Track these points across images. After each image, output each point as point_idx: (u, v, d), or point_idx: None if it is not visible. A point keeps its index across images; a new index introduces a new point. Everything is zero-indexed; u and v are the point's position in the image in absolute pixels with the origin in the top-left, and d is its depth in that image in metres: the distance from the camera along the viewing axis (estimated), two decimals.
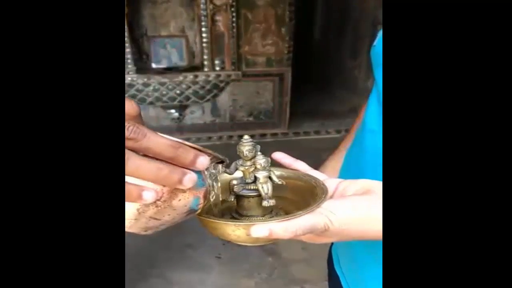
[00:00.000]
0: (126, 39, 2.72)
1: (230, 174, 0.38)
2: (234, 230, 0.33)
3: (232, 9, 2.77)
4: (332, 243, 0.67)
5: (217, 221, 0.33)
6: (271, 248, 1.89)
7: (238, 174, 0.38)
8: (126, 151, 0.25)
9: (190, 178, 0.28)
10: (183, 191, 0.29)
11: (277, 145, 2.40)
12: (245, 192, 0.37)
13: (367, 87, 3.19)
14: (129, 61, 2.79)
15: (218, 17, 2.81)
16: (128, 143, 0.26)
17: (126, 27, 2.69)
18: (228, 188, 0.38)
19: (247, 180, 0.37)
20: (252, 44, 2.97)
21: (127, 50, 2.76)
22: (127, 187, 0.26)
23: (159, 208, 0.28)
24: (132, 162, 0.25)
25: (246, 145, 0.36)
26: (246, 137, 0.36)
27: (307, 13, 3.50)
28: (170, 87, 2.90)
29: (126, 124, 0.26)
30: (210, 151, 0.30)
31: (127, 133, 0.26)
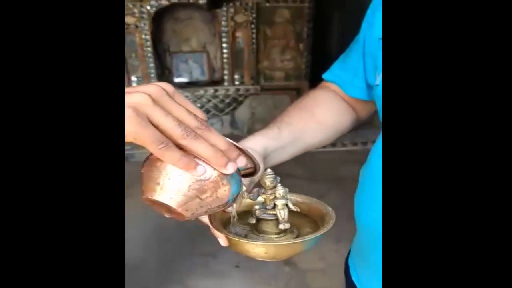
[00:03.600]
0: (150, 54, 2.85)
1: (253, 200, 0.44)
2: (254, 248, 0.40)
3: (252, 26, 2.87)
4: (349, 253, 0.70)
5: (241, 240, 0.40)
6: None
7: (260, 200, 0.44)
8: (196, 135, 0.32)
9: (232, 165, 0.34)
10: (226, 184, 0.35)
11: (294, 158, 2.45)
12: (265, 216, 0.43)
13: None
14: (152, 75, 2.90)
15: (238, 34, 2.90)
16: (197, 131, 0.33)
17: (150, 43, 2.82)
18: (251, 211, 0.45)
19: (267, 206, 0.43)
20: (270, 59, 3.06)
21: (151, 65, 2.88)
22: (188, 159, 0.32)
23: (205, 188, 0.34)
24: (199, 141, 0.32)
25: (268, 177, 0.43)
26: (268, 170, 0.43)
27: (324, 28, 3.58)
28: (191, 100, 2.99)
29: (197, 118, 0.33)
30: (250, 154, 0.37)
31: (198, 124, 0.33)
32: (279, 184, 0.43)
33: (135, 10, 2.71)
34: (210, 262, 1.92)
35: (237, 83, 3.05)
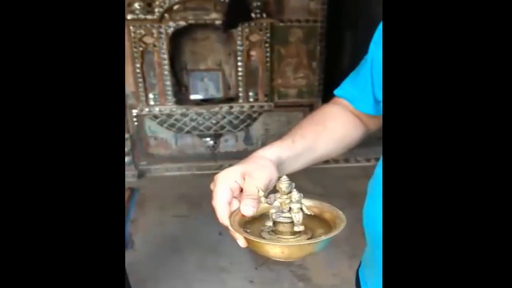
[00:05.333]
0: (167, 72, 2.94)
1: (270, 204, 0.48)
2: (272, 249, 0.43)
3: (266, 45, 2.93)
4: (359, 264, 0.72)
5: (261, 241, 0.44)
6: (302, 274, 1.94)
7: (276, 204, 0.47)
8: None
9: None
10: None
11: (308, 173, 2.46)
12: (281, 219, 0.46)
13: None
14: (169, 92, 2.99)
15: (253, 53, 2.97)
16: None
17: (167, 62, 2.91)
18: (268, 214, 0.48)
19: (283, 210, 0.46)
20: (284, 77, 3.12)
21: (167, 83, 2.97)
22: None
23: None
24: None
25: (284, 183, 0.46)
26: (284, 177, 0.46)
27: (336, 47, 3.64)
28: (206, 117, 3.07)
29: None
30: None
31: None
32: (294, 190, 0.46)
33: (154, 31, 2.82)
34: (224, 277, 1.94)
35: (251, 100, 3.10)
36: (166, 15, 2.79)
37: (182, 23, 2.82)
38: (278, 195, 0.47)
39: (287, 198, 0.46)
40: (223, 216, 0.48)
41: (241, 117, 3.13)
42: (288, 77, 3.13)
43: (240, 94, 3.08)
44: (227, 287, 1.88)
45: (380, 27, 0.62)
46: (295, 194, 0.46)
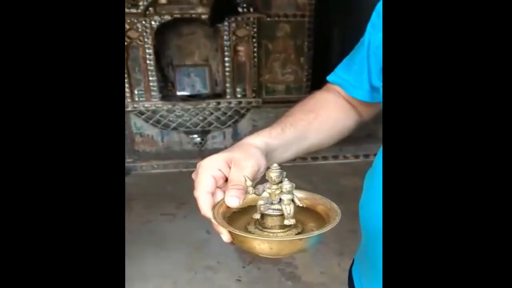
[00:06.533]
0: (152, 68, 2.88)
1: (258, 195, 0.43)
2: (259, 244, 0.39)
3: (254, 40, 2.90)
4: (352, 263, 0.70)
5: (247, 235, 0.39)
6: (290, 272, 1.92)
7: (265, 195, 0.43)
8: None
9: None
10: None
11: (296, 170, 2.45)
12: (270, 212, 0.42)
13: None
14: (155, 88, 2.93)
15: (240, 48, 2.94)
16: None
17: (153, 57, 2.85)
18: (255, 206, 0.43)
19: (272, 201, 0.42)
20: (272, 72, 3.09)
21: (153, 78, 2.91)
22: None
23: None
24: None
25: (274, 171, 0.41)
26: (275, 165, 0.42)
27: (325, 42, 3.63)
28: (193, 113, 3.03)
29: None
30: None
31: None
32: (285, 179, 0.42)
33: (139, 25, 2.75)
34: (210, 275, 1.91)
35: (239, 96, 3.07)
36: (151, 9, 2.73)
37: (168, 17, 2.77)
38: (267, 185, 0.43)
39: (277, 189, 0.42)
40: (205, 207, 0.43)
41: (229, 113, 3.09)
42: (275, 73, 3.10)
43: (228, 90, 3.04)
44: (214, 286, 1.85)
45: (378, 7, 0.57)
46: (287, 184, 0.41)
